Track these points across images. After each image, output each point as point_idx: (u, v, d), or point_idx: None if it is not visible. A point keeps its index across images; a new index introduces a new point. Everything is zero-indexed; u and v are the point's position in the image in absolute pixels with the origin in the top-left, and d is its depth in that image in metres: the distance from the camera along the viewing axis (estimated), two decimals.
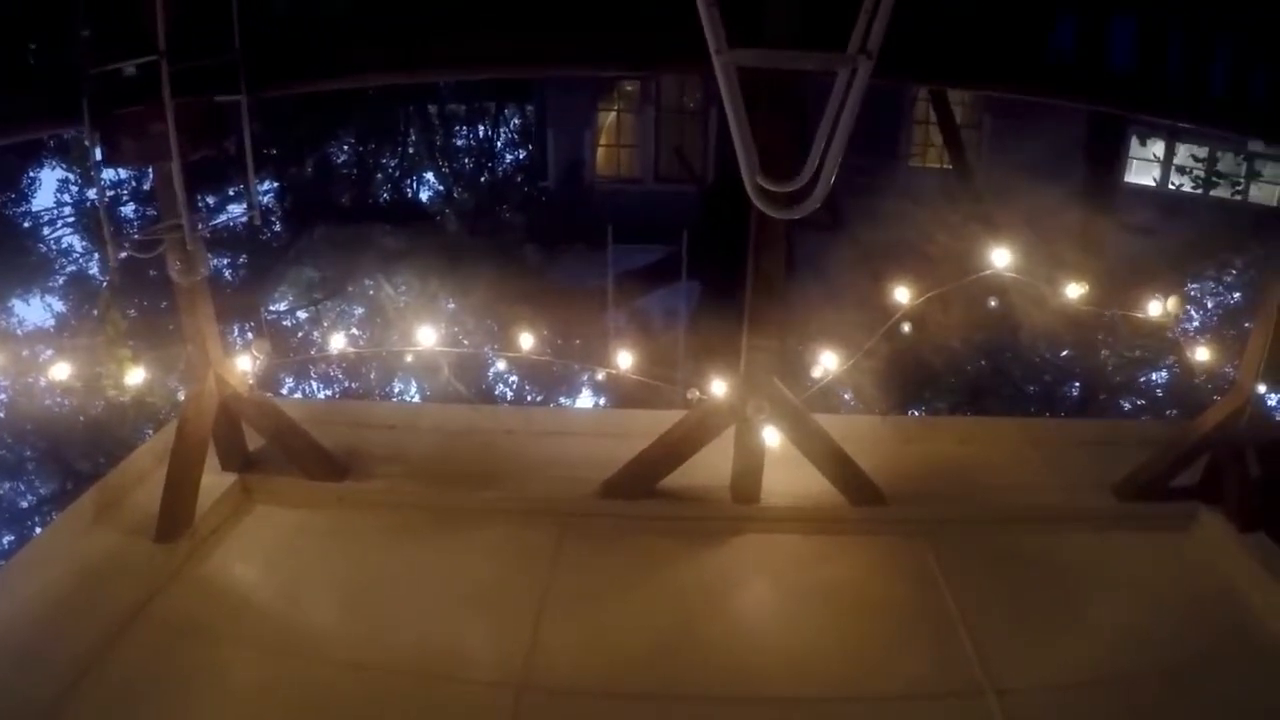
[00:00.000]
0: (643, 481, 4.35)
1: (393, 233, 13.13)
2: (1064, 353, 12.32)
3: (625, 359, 4.48)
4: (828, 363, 4.49)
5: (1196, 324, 13.04)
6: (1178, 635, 3.67)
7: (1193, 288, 13.43)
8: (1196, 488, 4.35)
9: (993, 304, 5.42)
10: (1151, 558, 4.17)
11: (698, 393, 4.27)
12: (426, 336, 4.65)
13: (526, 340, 4.66)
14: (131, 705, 3.28)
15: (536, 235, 14.67)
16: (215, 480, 4.40)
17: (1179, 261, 13.02)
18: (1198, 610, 3.83)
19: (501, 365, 13.45)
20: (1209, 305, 13.85)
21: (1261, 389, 4.13)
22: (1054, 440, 5.09)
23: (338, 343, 5.72)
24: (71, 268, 14.16)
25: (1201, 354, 4.55)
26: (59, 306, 13.91)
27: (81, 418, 12.00)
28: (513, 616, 3.75)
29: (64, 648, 3.41)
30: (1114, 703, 3.33)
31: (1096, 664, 3.51)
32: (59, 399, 12.47)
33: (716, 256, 11.50)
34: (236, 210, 13.77)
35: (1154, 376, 12.99)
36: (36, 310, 13.88)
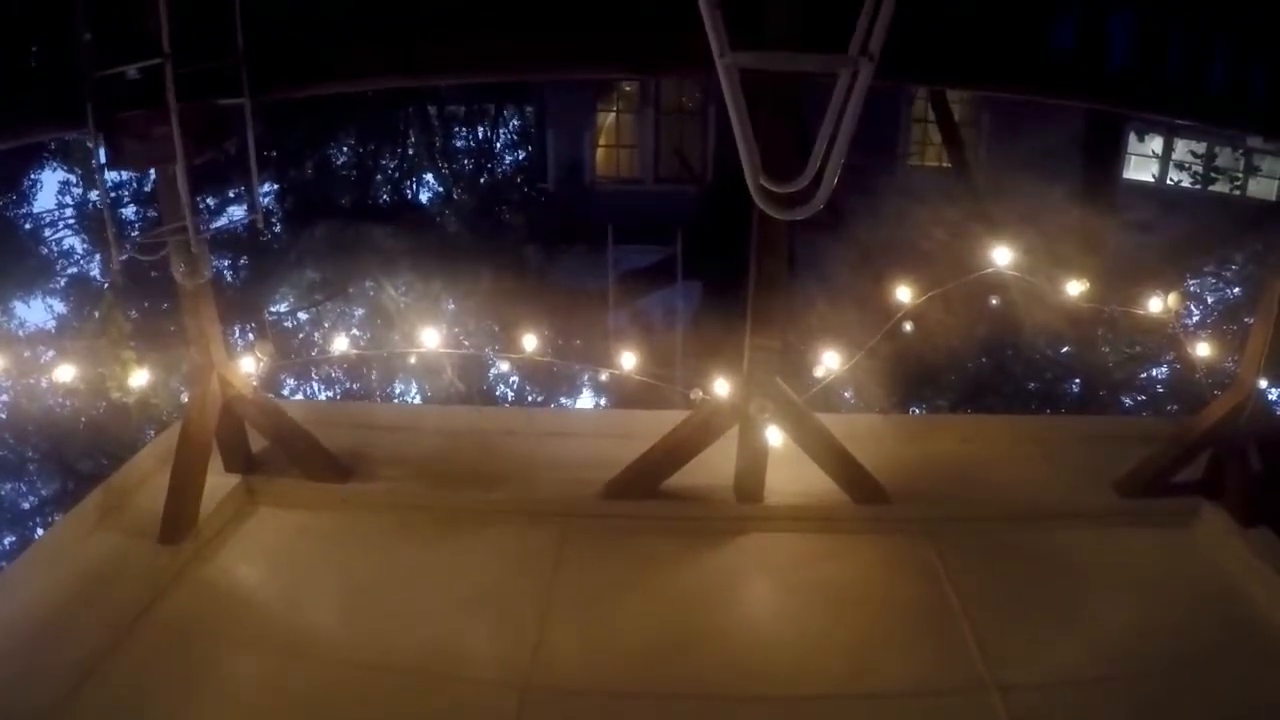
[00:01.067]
0: (646, 482, 4.36)
1: (393, 234, 13.13)
2: (1064, 350, 12.32)
3: (627, 359, 4.48)
4: (829, 362, 4.50)
5: (1197, 320, 13.02)
6: (1181, 630, 3.68)
7: (1192, 284, 13.42)
8: (1199, 483, 4.36)
9: (993, 302, 5.44)
10: (1154, 553, 4.18)
11: (700, 393, 4.28)
12: (428, 337, 4.66)
13: (528, 341, 4.67)
14: (135, 708, 3.29)
15: (537, 236, 14.67)
16: (219, 482, 4.41)
17: (1178, 258, 13.02)
18: (1201, 605, 3.84)
19: (503, 366, 13.46)
20: (1209, 301, 13.84)
21: (1263, 384, 4.14)
22: (1055, 437, 5.10)
23: (339, 344, 5.73)
24: (73, 269, 14.18)
25: (1202, 349, 4.56)
26: (60, 308, 13.94)
27: (83, 420, 12.01)
28: (516, 617, 3.76)
29: (68, 651, 3.42)
30: (1117, 698, 3.33)
31: (1100, 660, 3.52)
32: (61, 401, 12.49)
33: (717, 256, 11.49)
34: (237, 212, 13.81)
35: (1155, 373, 12.98)
36: (38, 312, 13.91)
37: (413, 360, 4.82)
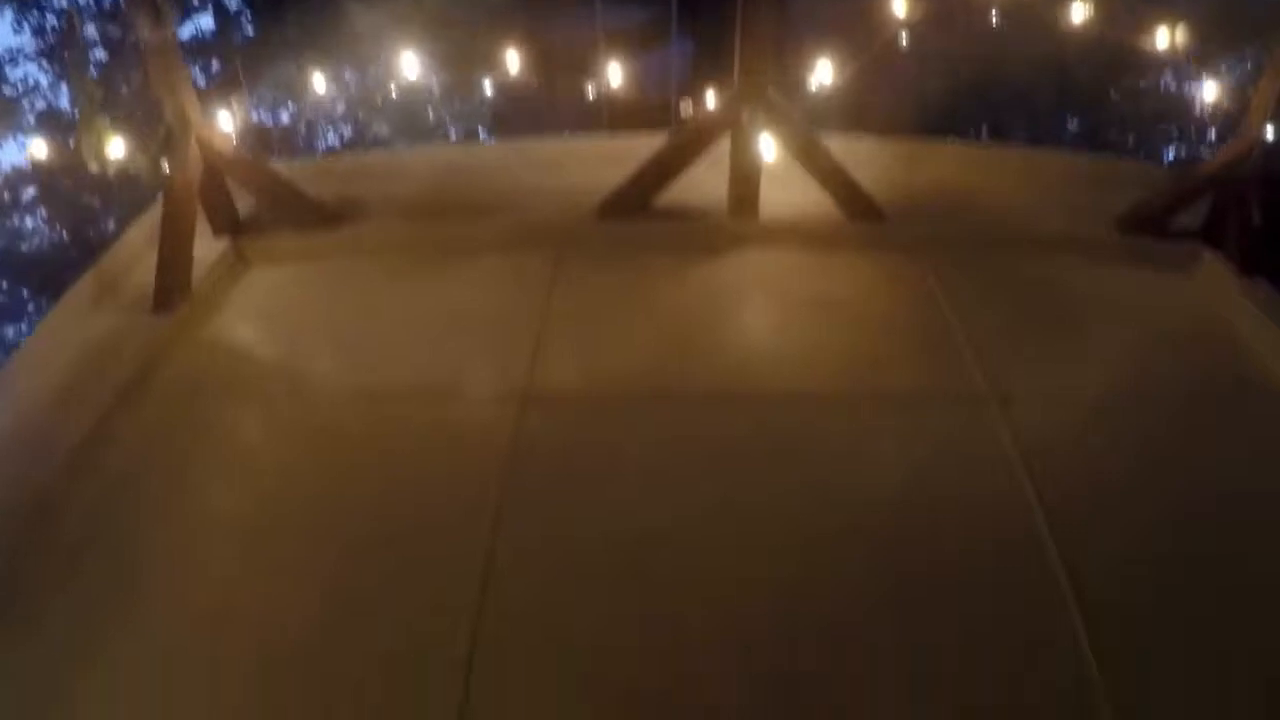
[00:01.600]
0: (638, 198, 4.30)
1: (369, 12, 12.56)
2: (1069, 89, 11.98)
3: (614, 74, 4.34)
4: (823, 75, 4.35)
5: (1211, 92, 12.64)
6: (1180, 371, 3.63)
7: (1211, 67, 12.96)
8: (1200, 230, 4.26)
9: (994, 22, 5.22)
10: (1153, 292, 4.12)
11: (692, 105, 4.16)
12: (407, 65, 4.44)
13: (512, 63, 4.51)
14: (141, 468, 3.24)
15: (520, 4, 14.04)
16: (208, 247, 4.31)
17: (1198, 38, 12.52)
18: (1200, 350, 3.78)
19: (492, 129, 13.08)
20: (1223, 74, 13.38)
21: (1269, 135, 3.99)
22: (1058, 171, 5.00)
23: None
24: (40, 104, 13.81)
25: (1209, 92, 4.41)
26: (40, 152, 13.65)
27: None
28: (513, 338, 3.76)
29: (68, 425, 3.31)
30: (1117, 426, 3.31)
31: (1099, 386, 3.51)
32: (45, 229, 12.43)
33: (710, 15, 11.01)
34: (204, 21, 13.35)
35: (1164, 152, 12.76)
36: (11, 151, 13.60)
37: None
